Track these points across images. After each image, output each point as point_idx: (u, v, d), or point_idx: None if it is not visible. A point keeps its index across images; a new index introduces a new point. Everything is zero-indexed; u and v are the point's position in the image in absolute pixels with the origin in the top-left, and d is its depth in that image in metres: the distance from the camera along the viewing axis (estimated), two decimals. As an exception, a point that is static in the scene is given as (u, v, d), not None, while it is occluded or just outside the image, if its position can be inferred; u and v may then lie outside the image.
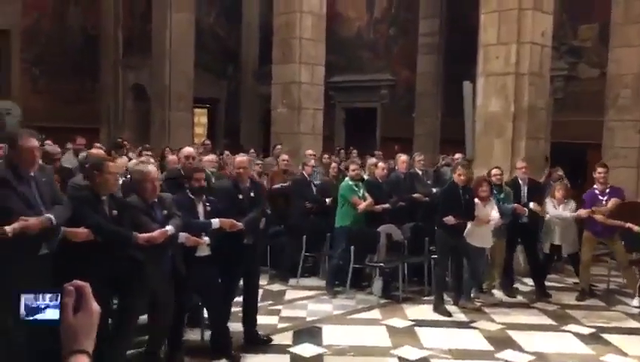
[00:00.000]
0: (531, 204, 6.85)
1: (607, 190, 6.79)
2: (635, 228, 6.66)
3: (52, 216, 3.67)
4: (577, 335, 5.60)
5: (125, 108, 16.09)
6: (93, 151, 4.88)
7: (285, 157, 8.68)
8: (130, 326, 4.12)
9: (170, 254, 4.25)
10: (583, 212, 6.73)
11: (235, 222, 4.64)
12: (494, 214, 6.32)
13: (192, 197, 4.59)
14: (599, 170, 6.86)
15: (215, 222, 4.54)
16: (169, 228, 4.06)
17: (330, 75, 13.09)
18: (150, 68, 14.17)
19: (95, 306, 1.22)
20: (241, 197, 4.90)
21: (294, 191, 7.60)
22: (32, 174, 3.75)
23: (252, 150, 10.94)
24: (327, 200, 7.41)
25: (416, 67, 14.44)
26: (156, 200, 4.18)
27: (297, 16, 10.44)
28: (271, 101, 11.13)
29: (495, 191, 6.65)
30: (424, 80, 14.28)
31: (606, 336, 5.56)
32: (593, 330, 5.73)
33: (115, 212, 4.02)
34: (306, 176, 7.64)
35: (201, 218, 4.57)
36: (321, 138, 11.06)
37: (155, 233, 3.97)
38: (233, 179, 5.16)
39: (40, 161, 3.92)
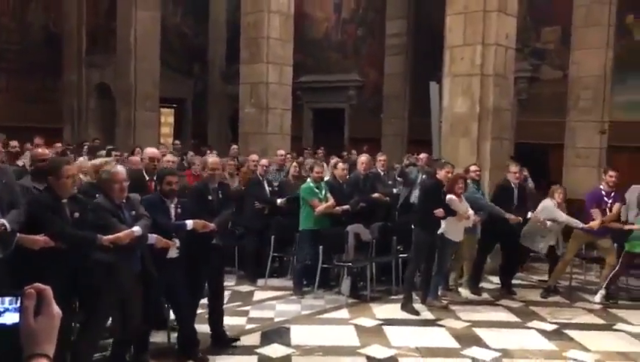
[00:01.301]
0: (531, 214, 6.90)
1: (613, 193, 6.90)
2: (635, 227, 6.78)
3: (5, 222, 3.57)
4: (541, 331, 5.71)
5: (89, 107, 15.78)
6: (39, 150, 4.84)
7: (255, 157, 8.61)
8: (96, 329, 4.04)
9: (140, 255, 4.19)
10: (594, 224, 6.73)
11: (207, 223, 4.64)
12: (471, 210, 6.42)
13: (164, 199, 4.54)
14: (611, 173, 6.90)
15: (189, 223, 4.54)
16: (136, 228, 4.00)
17: (298, 76, 13.08)
18: (115, 66, 13.94)
19: (56, 310, 1.19)
20: (210, 198, 4.90)
21: (247, 192, 7.55)
22: None
23: (214, 151, 10.85)
24: (279, 200, 7.36)
25: (383, 68, 14.53)
26: (124, 200, 4.12)
27: (265, 16, 10.40)
28: (239, 101, 11.07)
29: (475, 187, 6.74)
30: (392, 81, 14.38)
31: (569, 332, 5.69)
32: (556, 326, 5.86)
33: (76, 214, 3.93)
34: (259, 176, 7.57)
35: (173, 219, 4.54)
36: (289, 138, 11.04)
37: (121, 233, 3.91)
38: (204, 180, 5.12)
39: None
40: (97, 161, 5.96)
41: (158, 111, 14.32)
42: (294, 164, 8.16)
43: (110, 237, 3.87)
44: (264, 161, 7.77)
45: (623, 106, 10.74)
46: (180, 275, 4.54)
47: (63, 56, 15.88)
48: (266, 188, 7.54)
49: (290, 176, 7.82)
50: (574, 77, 10.85)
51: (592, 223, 6.78)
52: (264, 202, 7.46)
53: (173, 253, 4.47)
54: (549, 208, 6.91)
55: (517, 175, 7.05)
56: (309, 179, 6.95)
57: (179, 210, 4.58)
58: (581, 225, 6.86)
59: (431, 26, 12.35)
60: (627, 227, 6.84)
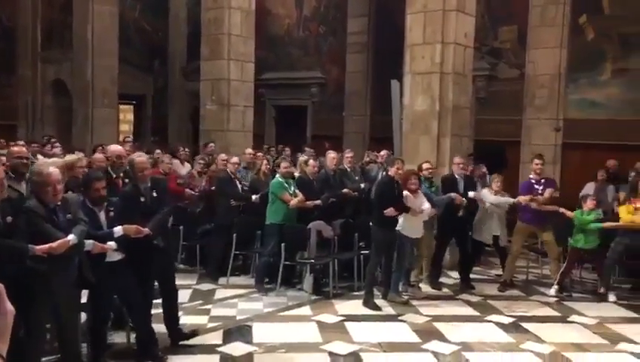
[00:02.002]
0: (471, 193, 7.06)
1: (542, 180, 7.13)
2: (568, 213, 7.02)
3: None
4: (499, 324, 5.85)
5: (44, 104, 15.36)
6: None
7: (224, 156, 8.54)
8: (37, 338, 3.84)
9: (77, 262, 3.98)
10: (522, 198, 6.98)
11: (139, 227, 4.39)
12: (425, 205, 6.49)
13: (92, 206, 4.26)
14: (536, 161, 7.18)
15: (117, 230, 4.27)
16: (71, 237, 3.75)
17: (260, 72, 13.03)
18: (71, 62, 13.61)
19: (9, 307, 1.16)
20: (142, 199, 4.69)
21: (218, 190, 7.51)
22: None
23: (186, 149, 10.64)
24: (254, 196, 7.37)
25: (345, 65, 14.59)
26: (59, 203, 3.86)
27: (226, 12, 10.32)
28: (200, 98, 10.95)
29: (426, 185, 6.83)
30: (353, 78, 14.46)
31: (525, 325, 5.84)
32: (513, 319, 6.00)
33: (9, 218, 3.68)
34: (230, 173, 7.55)
35: (104, 225, 4.30)
36: (251, 135, 10.99)
37: (55, 243, 3.63)
38: (133, 182, 4.85)
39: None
40: (69, 158, 5.86)
41: (117, 108, 14.04)
42: (265, 161, 8.16)
43: (43, 247, 3.60)
44: (235, 159, 7.75)
45: (576, 104, 11.06)
46: (127, 278, 4.41)
47: (18, 51, 15.42)
48: (238, 185, 7.52)
49: (262, 173, 7.81)
50: (530, 75, 11.12)
51: (519, 198, 7.00)
52: (239, 199, 7.44)
53: (115, 256, 4.31)
54: (483, 193, 7.14)
55: (461, 165, 7.20)
56: (277, 175, 6.98)
57: (111, 214, 4.34)
58: (511, 200, 7.09)
59: (392, 24, 12.47)
60: (562, 210, 7.06)
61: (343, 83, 14.67)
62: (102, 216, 4.30)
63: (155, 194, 4.76)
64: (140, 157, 4.98)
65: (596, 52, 10.86)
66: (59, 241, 3.67)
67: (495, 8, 12.15)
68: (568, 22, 10.78)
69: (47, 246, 3.63)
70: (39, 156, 7.49)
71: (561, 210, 7.05)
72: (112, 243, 4.23)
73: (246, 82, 10.73)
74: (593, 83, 10.91)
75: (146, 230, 4.46)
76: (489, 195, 7.09)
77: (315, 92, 15.49)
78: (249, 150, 9.26)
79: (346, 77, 14.58)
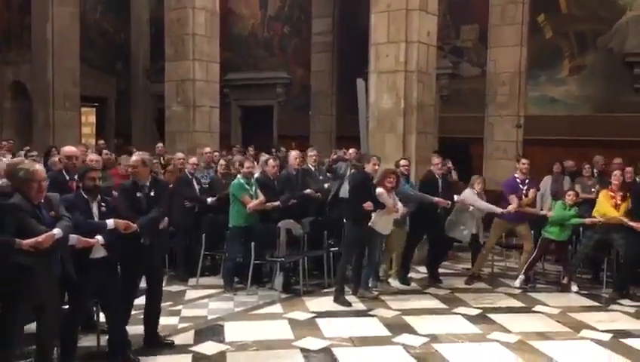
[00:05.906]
0: (456, 196, 7.18)
1: (527, 180, 7.30)
2: (549, 214, 7.22)
3: None
4: (466, 316, 5.98)
5: (3, 107, 15.00)
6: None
7: (181, 155, 8.51)
8: (14, 334, 3.81)
9: (60, 258, 3.98)
10: (512, 208, 7.09)
11: (129, 223, 4.46)
12: (399, 203, 6.58)
13: (86, 197, 4.35)
14: (523, 160, 7.39)
15: (110, 222, 4.35)
16: (56, 231, 3.79)
17: (225, 73, 12.99)
18: (31, 64, 13.32)
19: None
20: (139, 195, 4.76)
21: (176, 190, 7.45)
22: None
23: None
24: (209, 199, 7.34)
25: (310, 65, 14.65)
26: (42, 200, 3.90)
27: (190, 13, 10.25)
28: (164, 99, 10.85)
29: (403, 181, 6.93)
30: (319, 78, 14.53)
31: (491, 316, 5.99)
32: (480, 311, 6.15)
33: None
34: (188, 174, 7.51)
35: (96, 218, 4.36)
36: (218, 136, 10.95)
37: (41, 237, 3.68)
38: (133, 179, 4.94)
39: None
40: (14, 161, 5.71)
41: (79, 111, 13.80)
42: (221, 161, 8.12)
43: (30, 241, 3.64)
44: (193, 159, 7.70)
45: (536, 101, 11.36)
46: (110, 276, 4.40)
47: (-27, 53, 15.03)
48: (195, 186, 7.47)
49: (218, 173, 7.76)
50: (492, 73, 11.38)
51: (509, 207, 7.15)
52: (194, 200, 7.39)
53: (100, 253, 4.30)
54: (469, 197, 7.23)
55: (439, 165, 7.32)
56: (239, 176, 6.94)
57: (103, 209, 4.39)
58: (499, 210, 7.23)
59: (356, 24, 12.56)
60: (542, 212, 7.30)
61: (309, 83, 14.73)
62: (95, 208, 4.34)
63: (152, 194, 4.81)
64: (134, 156, 5.06)
65: (554, 50, 11.18)
66: (44, 235, 3.68)
67: (456, 8, 12.37)
68: (527, 21, 11.06)
69: (33, 239, 3.64)
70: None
71: (542, 212, 7.33)
72: (99, 238, 4.24)
73: (211, 82, 10.68)
74: (552, 80, 11.22)
75: (134, 226, 4.49)
76: (478, 201, 7.19)
77: (280, 92, 15.50)
78: (207, 148, 9.21)
79: (311, 77, 14.64)
